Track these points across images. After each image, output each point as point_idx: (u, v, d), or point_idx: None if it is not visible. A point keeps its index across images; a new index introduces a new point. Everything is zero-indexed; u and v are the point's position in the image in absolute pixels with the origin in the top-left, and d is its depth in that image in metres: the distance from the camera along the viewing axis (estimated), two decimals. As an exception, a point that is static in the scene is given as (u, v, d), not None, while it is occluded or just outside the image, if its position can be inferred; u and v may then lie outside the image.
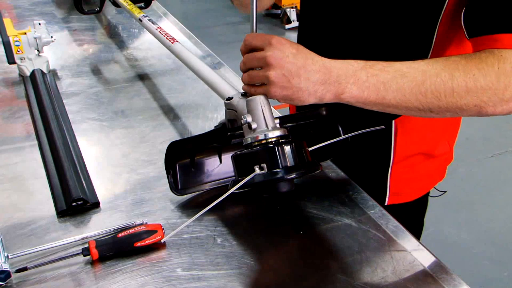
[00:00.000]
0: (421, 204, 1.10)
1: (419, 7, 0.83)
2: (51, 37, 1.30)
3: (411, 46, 0.87)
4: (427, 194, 1.11)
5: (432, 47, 0.86)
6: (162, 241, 0.77)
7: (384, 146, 0.99)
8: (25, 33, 1.27)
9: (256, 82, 0.76)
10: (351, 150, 0.90)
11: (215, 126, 0.86)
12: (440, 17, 0.82)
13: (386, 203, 1.03)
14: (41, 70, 1.25)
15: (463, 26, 0.78)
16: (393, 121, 0.96)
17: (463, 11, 0.78)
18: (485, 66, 0.72)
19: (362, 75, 0.73)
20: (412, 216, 1.04)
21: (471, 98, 0.73)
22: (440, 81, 0.73)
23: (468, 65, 0.73)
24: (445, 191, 1.11)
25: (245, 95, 0.82)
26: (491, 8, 0.73)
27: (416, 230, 1.11)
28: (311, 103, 0.74)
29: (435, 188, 1.12)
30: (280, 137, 0.76)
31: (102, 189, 0.89)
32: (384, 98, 0.73)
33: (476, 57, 0.73)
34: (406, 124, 0.97)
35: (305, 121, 0.86)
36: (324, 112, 0.88)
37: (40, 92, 1.16)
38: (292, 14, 4.60)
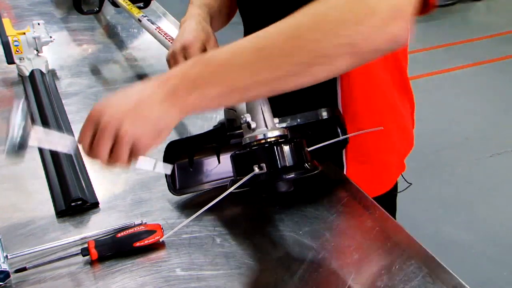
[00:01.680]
0: (385, 203, 1.07)
1: None
2: (50, 37, 1.30)
3: None
4: (392, 193, 1.09)
5: None
6: (161, 240, 0.77)
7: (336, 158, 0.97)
8: (24, 33, 1.27)
9: (120, 156, 0.64)
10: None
11: (214, 126, 0.86)
12: None
13: None
14: (40, 70, 1.25)
15: None
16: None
17: None
18: (337, 4, 0.62)
19: (194, 75, 0.63)
20: None
21: (331, 38, 0.60)
22: (283, 37, 0.61)
23: (314, 5, 0.63)
24: (411, 184, 1.09)
25: None
26: None
27: None
28: (172, 125, 0.64)
29: (402, 177, 1.09)
30: (280, 136, 0.76)
31: (101, 189, 0.89)
32: (233, 81, 0.62)
33: None
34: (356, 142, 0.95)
35: (305, 121, 0.86)
36: (324, 113, 0.88)
37: (39, 92, 1.16)
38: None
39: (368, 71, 0.91)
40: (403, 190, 1.10)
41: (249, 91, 0.63)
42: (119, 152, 0.62)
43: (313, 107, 0.88)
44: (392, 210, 1.11)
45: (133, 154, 0.64)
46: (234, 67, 0.62)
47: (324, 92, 0.92)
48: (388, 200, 1.06)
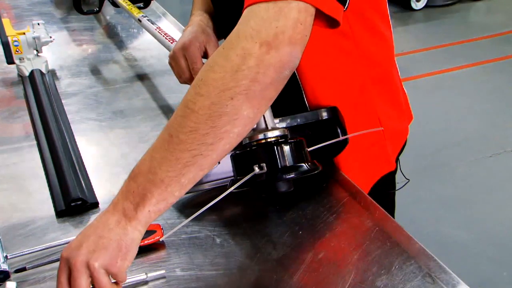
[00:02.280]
0: (379, 198, 1.06)
1: None
2: (50, 37, 1.30)
3: None
4: (390, 191, 1.08)
5: None
6: (161, 240, 0.76)
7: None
8: (24, 33, 1.27)
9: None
10: None
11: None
12: None
13: None
14: (40, 70, 1.25)
15: None
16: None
17: None
18: (214, 58, 0.64)
19: (129, 190, 0.65)
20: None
21: (221, 95, 0.61)
22: (178, 119, 0.64)
23: (199, 73, 0.66)
24: (408, 180, 1.09)
25: None
26: None
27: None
28: (135, 241, 0.65)
29: (401, 172, 1.08)
30: (280, 136, 0.76)
31: (101, 189, 0.89)
32: (165, 183, 0.63)
33: (215, 54, 0.66)
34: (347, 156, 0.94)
35: (305, 122, 0.86)
36: (324, 113, 0.88)
37: (39, 92, 1.16)
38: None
39: (333, 81, 0.91)
40: (401, 188, 1.10)
41: (184, 177, 0.64)
42: (100, 284, 0.63)
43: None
44: (391, 208, 1.11)
45: (115, 277, 0.65)
46: (157, 168, 0.63)
47: (294, 106, 0.92)
48: (386, 199, 1.06)
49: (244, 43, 0.62)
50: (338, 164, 0.95)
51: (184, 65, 0.93)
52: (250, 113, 0.63)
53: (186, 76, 0.93)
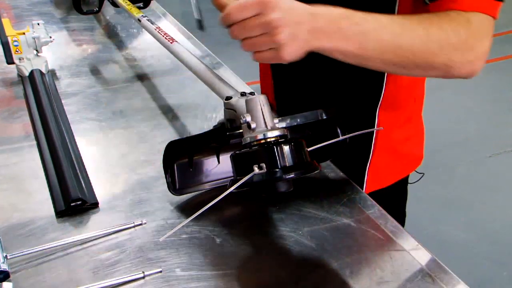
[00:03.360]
0: (399, 191, 1.09)
1: None
2: (50, 37, 1.29)
3: None
4: (406, 182, 1.10)
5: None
6: (161, 240, 0.76)
7: (365, 137, 1.00)
8: (24, 33, 1.27)
9: (262, 49, 0.71)
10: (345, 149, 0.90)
11: (214, 126, 0.86)
12: None
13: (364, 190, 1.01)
14: (40, 70, 1.25)
15: None
16: (377, 110, 0.98)
17: None
18: (457, 25, 0.74)
19: (344, 24, 0.71)
20: (392, 204, 1.02)
21: (443, 56, 0.74)
22: (416, 36, 0.73)
23: (441, 22, 0.74)
24: (423, 174, 1.11)
25: (244, 94, 0.82)
26: None
27: (397, 220, 1.10)
28: (303, 54, 0.72)
29: (415, 171, 1.11)
30: (279, 136, 0.76)
31: (101, 189, 0.89)
32: (365, 49, 0.73)
33: (447, 16, 0.74)
34: (388, 111, 0.98)
35: (305, 121, 0.86)
36: (324, 114, 0.88)
37: (38, 92, 1.16)
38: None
39: None
40: (417, 181, 1.12)
41: (368, 62, 0.75)
42: (263, 41, 0.69)
43: (357, 91, 0.95)
44: (403, 200, 1.14)
45: (271, 54, 0.71)
46: (371, 42, 0.72)
47: (371, 77, 0.96)
48: (404, 194, 1.08)
49: (472, 39, 0.75)
50: (373, 153, 1.01)
51: None
52: (432, 75, 0.79)
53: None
